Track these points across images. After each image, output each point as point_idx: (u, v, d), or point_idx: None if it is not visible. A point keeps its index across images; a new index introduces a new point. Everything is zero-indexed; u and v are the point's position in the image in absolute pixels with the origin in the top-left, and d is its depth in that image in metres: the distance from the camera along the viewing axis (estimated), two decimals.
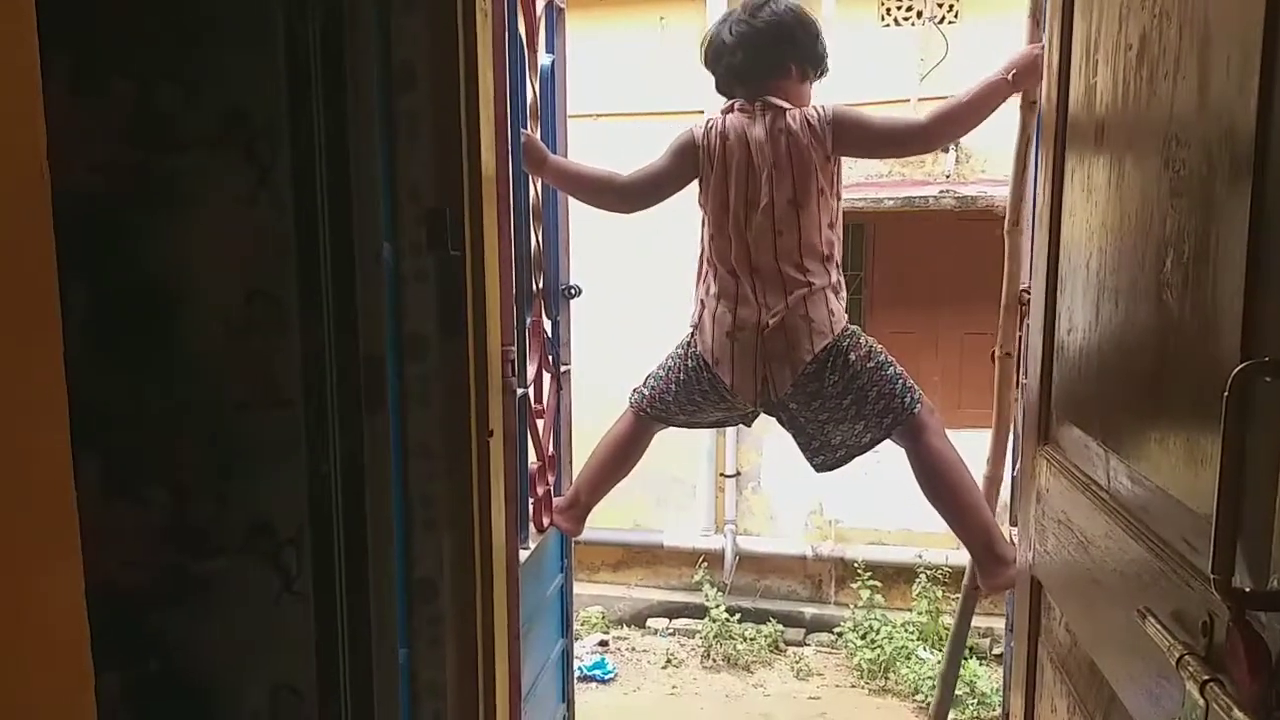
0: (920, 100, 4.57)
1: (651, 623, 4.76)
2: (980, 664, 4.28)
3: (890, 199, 4.56)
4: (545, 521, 2.01)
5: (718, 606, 4.41)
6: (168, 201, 1.30)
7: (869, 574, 4.55)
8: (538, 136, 1.96)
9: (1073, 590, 0.99)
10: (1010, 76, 1.81)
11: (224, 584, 1.39)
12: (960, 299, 4.96)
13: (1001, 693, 2.13)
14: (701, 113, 4.87)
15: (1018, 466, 1.90)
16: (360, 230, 1.30)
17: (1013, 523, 1.93)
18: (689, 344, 2.01)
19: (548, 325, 2.06)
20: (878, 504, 4.95)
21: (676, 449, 4.21)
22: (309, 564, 1.37)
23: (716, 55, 2.01)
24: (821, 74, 2.01)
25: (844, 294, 1.94)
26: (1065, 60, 1.06)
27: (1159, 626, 0.72)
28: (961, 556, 4.80)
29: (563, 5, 2.05)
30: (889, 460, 4.92)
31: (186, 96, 1.27)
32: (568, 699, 2.21)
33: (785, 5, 1.97)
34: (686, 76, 4.89)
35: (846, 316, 1.93)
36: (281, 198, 1.29)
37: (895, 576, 4.76)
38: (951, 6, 4.70)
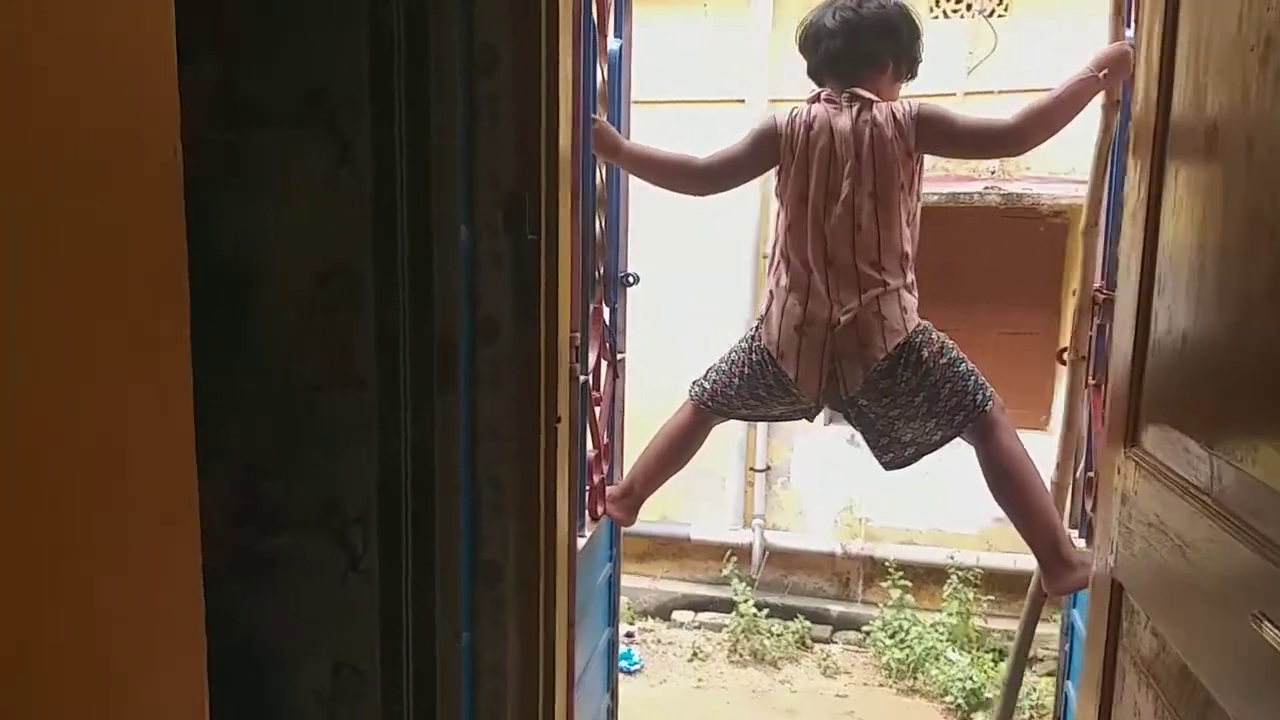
0: (967, 95, 4.53)
1: (677, 615, 4.76)
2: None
3: (935, 194, 4.52)
4: (599, 510, 2.01)
5: (746, 601, 4.40)
6: (249, 179, 1.31)
7: (900, 573, 4.53)
8: (606, 121, 1.96)
9: (1165, 594, 0.98)
10: (1100, 75, 1.77)
11: (291, 561, 1.40)
12: (999, 297, 4.92)
13: (1054, 696, 2.10)
14: (742, 102, 4.87)
15: (1089, 469, 1.88)
16: (439, 212, 1.30)
17: (1072, 525, 1.91)
18: (754, 337, 2.00)
19: (606, 313, 2.05)
20: (909, 503, 4.93)
21: (706, 441, 4.22)
22: (375, 543, 1.38)
23: (815, 39, 1.99)
24: (913, 76, 2.00)
25: (916, 292, 1.93)
26: (1167, 59, 1.04)
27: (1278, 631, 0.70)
28: (993, 559, 4.80)
29: None
30: (924, 459, 4.89)
31: (269, 74, 1.28)
32: (612, 689, 2.22)
33: (894, 0, 1.97)
34: (729, 64, 4.89)
35: (919, 313, 1.91)
36: (361, 176, 1.30)
37: (925, 577, 4.74)
38: (1002, 0, 4.64)
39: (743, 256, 4.84)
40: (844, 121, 1.91)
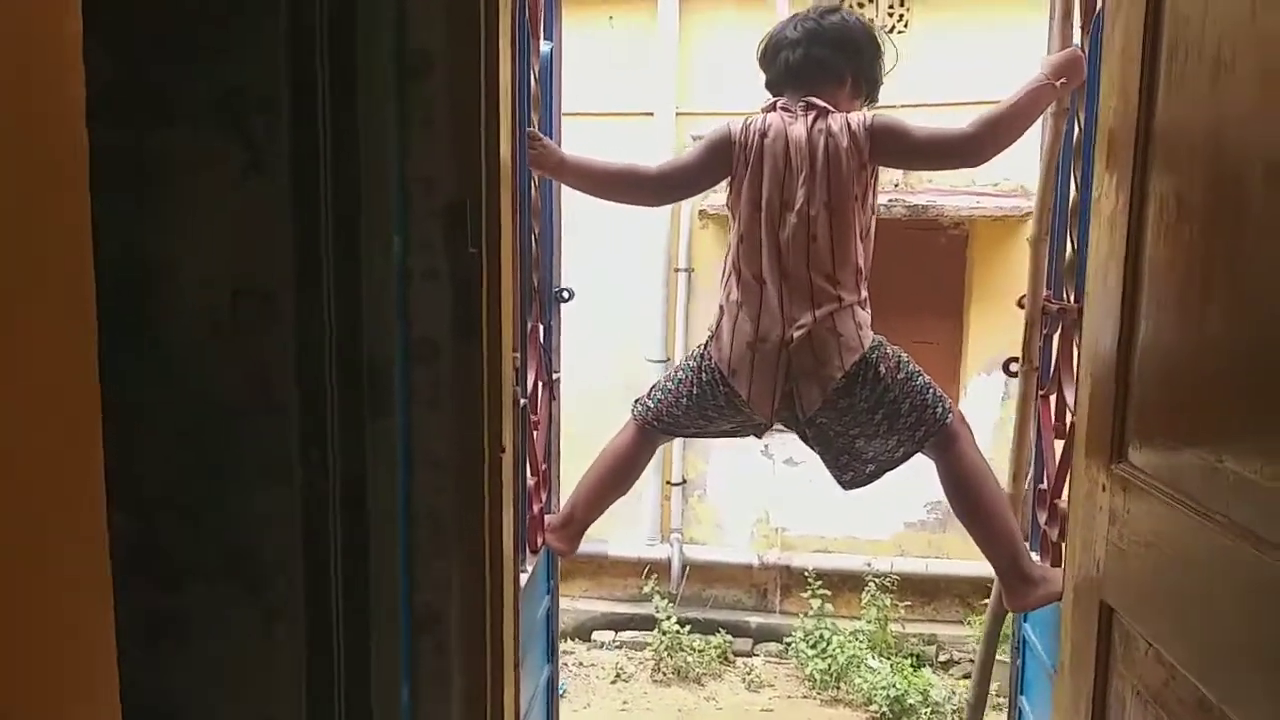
0: (869, 109, 4.59)
1: (597, 635, 4.65)
2: (931, 672, 4.29)
3: None
4: (539, 541, 1.90)
5: (668, 618, 4.33)
6: (152, 184, 1.16)
7: (819, 582, 4.53)
8: (538, 129, 1.86)
9: (1173, 618, 0.93)
10: (1058, 82, 1.75)
11: (200, 617, 1.25)
12: (906, 307, 4.99)
13: (1007, 710, 2.07)
14: (651, 114, 4.83)
15: (1039, 482, 1.86)
16: (369, 222, 1.18)
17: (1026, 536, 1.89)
18: (703, 355, 1.92)
19: (541, 330, 1.94)
20: (823, 511, 4.95)
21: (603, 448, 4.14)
22: (300, 592, 1.24)
23: (775, 50, 1.96)
24: (871, 97, 1.97)
25: (869, 308, 1.88)
26: (1149, 61, 1.00)
27: None
28: (907, 564, 4.85)
29: None
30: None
31: (176, 70, 1.13)
32: None
33: (856, 17, 1.96)
34: (637, 77, 4.84)
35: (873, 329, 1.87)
36: (279, 183, 1.17)
37: (841, 585, 4.76)
38: (902, 17, 4.72)
39: (654, 269, 4.78)
40: (799, 130, 1.86)
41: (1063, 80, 1.76)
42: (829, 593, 4.53)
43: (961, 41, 4.55)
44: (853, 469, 1.90)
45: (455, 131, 1.20)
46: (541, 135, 1.89)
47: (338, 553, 1.22)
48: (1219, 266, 0.87)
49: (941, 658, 4.55)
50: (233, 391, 1.19)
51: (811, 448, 1.93)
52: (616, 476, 2.00)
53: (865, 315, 1.86)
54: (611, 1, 4.84)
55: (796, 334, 1.81)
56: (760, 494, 4.90)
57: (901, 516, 4.89)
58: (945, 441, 1.81)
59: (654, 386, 2.01)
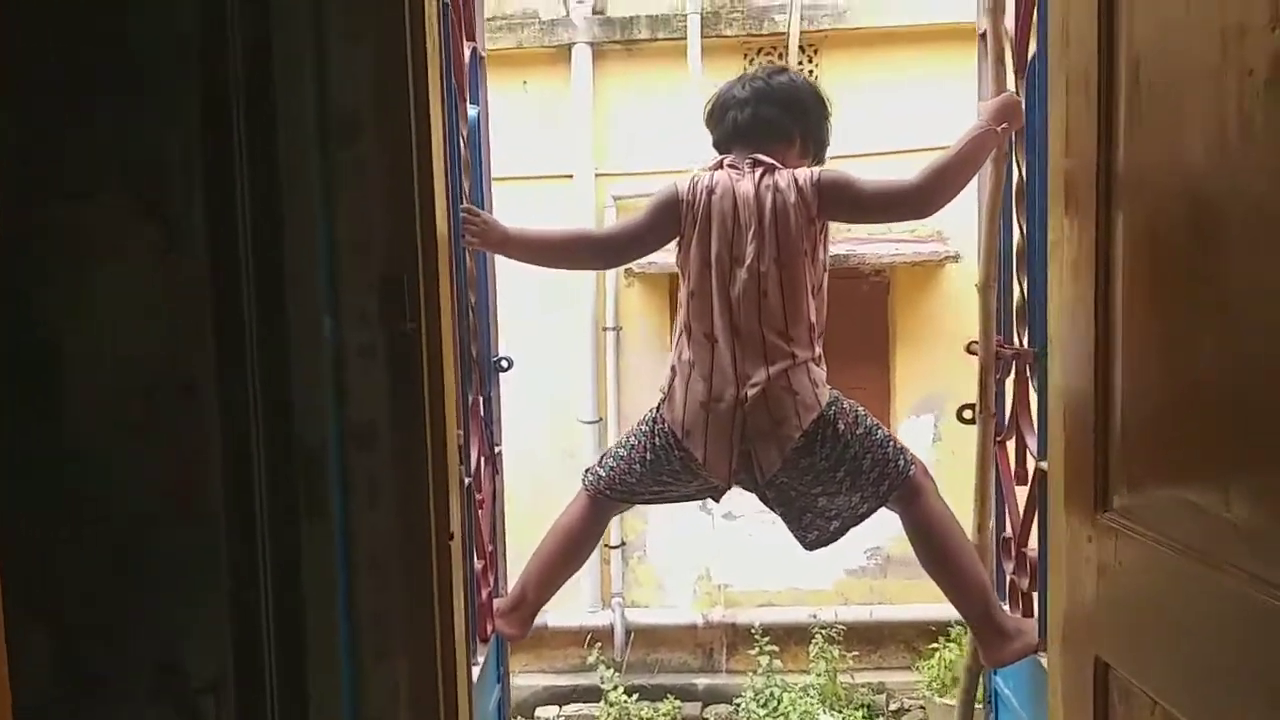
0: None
1: (540, 712, 4.47)
2: None
3: None
4: (489, 629, 1.78)
5: (615, 688, 4.18)
6: (48, 265, 1.05)
7: (766, 638, 4.44)
8: (469, 194, 1.79)
9: (1183, 676, 0.89)
10: (999, 128, 1.76)
11: None
12: (833, 355, 5.01)
13: None
14: (571, 177, 4.81)
15: (1001, 531, 1.83)
16: (296, 300, 1.09)
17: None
18: (655, 419, 1.85)
19: (481, 403, 1.85)
20: (764, 564, 4.88)
21: (551, 518, 4.03)
22: (232, 714, 1.11)
23: (723, 109, 1.96)
24: (819, 158, 1.97)
25: (825, 365, 1.85)
26: (1107, 101, 0.99)
27: None
28: (851, 613, 4.80)
29: (484, 53, 1.90)
30: (772, 517, 4.86)
31: (77, 138, 1.03)
32: None
33: (803, 79, 1.99)
34: (552, 140, 4.82)
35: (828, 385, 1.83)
36: (195, 261, 1.07)
37: (787, 638, 4.68)
38: (812, 58, 4.81)
39: (581, 330, 4.72)
40: (746, 186, 1.84)
41: (1003, 125, 1.77)
42: (776, 648, 4.45)
43: (873, 91, 4.66)
44: (816, 528, 1.84)
45: (388, 199, 1.12)
46: (480, 211, 1.84)
47: (273, 673, 1.10)
48: (1198, 305, 0.85)
49: (892, 706, 4.49)
50: (150, 496, 1.07)
51: (772, 509, 1.87)
52: (569, 552, 1.91)
53: (820, 372, 1.82)
54: (525, 65, 4.83)
55: (751, 393, 1.76)
56: (701, 551, 4.82)
57: (842, 564, 4.85)
58: (909, 494, 1.77)
59: (605, 454, 1.93)
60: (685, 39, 4.68)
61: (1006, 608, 1.82)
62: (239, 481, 1.08)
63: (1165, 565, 0.91)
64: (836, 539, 1.85)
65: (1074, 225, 1.07)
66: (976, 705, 2.05)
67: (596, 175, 4.74)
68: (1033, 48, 1.64)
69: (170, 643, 1.10)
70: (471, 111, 1.83)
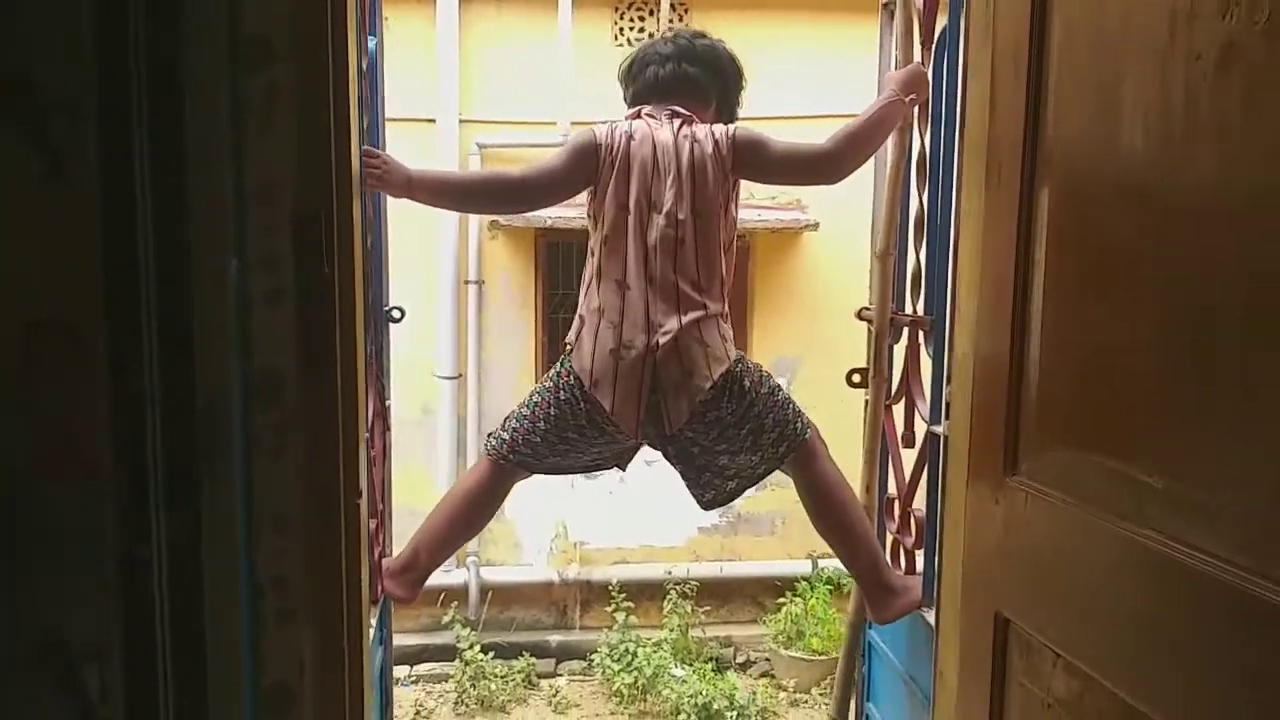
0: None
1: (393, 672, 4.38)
2: (734, 674, 4.38)
3: None
4: (379, 589, 1.71)
5: (471, 647, 4.15)
6: None
7: (623, 594, 4.51)
8: (365, 134, 1.68)
9: (1090, 627, 0.95)
10: (908, 98, 1.81)
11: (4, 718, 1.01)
12: None
13: (853, 715, 2.09)
14: (433, 121, 4.63)
15: (910, 496, 1.88)
16: (199, 240, 0.99)
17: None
18: (559, 373, 1.81)
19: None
20: (620, 522, 4.94)
21: (408, 477, 3.92)
22: (119, 685, 1.02)
23: (643, 64, 1.94)
24: (729, 124, 1.95)
25: (729, 322, 1.86)
26: (1035, 73, 1.03)
27: None
28: (703, 569, 4.93)
29: None
30: (630, 477, 4.91)
31: None
32: None
33: (724, 45, 1.99)
34: (415, 83, 4.62)
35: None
36: (83, 195, 0.96)
37: (640, 594, 4.76)
38: (682, 17, 4.81)
39: (443, 283, 4.59)
40: (665, 134, 1.84)
41: (911, 96, 1.82)
42: (631, 604, 4.52)
43: (741, 54, 4.69)
44: (714, 487, 1.86)
45: (301, 132, 1.04)
46: (379, 152, 1.73)
47: (166, 640, 1.02)
48: (1123, 279, 0.90)
49: (739, 659, 4.66)
50: (28, 450, 0.96)
51: (673, 465, 1.87)
52: (467, 518, 1.85)
53: (728, 328, 1.84)
54: (389, 1, 4.60)
55: (662, 340, 1.75)
56: (558, 509, 4.82)
57: (695, 522, 4.97)
58: (805, 457, 1.81)
59: (508, 416, 1.89)
60: None
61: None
62: (131, 434, 0.98)
63: (1077, 525, 0.96)
64: (733, 499, 1.88)
65: (996, 196, 1.11)
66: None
67: (461, 121, 4.59)
68: (941, 21, 1.69)
69: (49, 608, 0.99)
70: (370, 44, 1.72)
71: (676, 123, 1.86)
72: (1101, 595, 0.93)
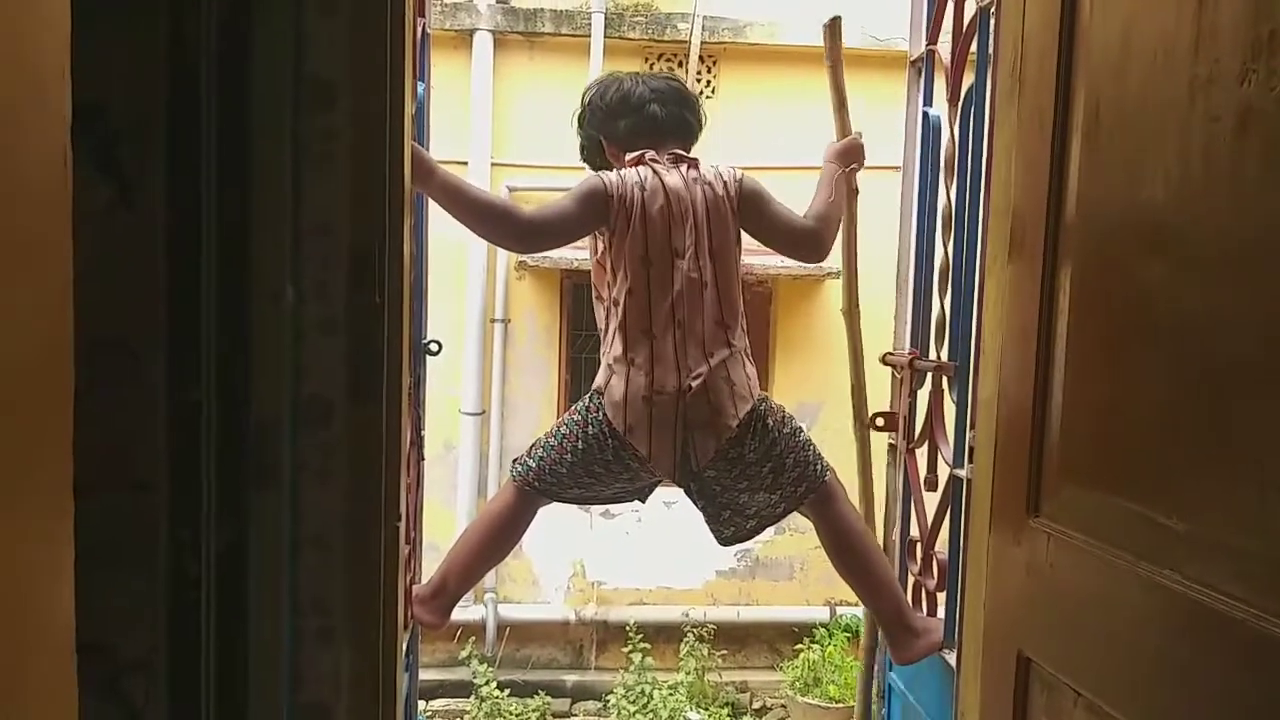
0: (732, 167, 4.77)
1: None
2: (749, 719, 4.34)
3: None
4: (409, 615, 1.74)
5: (487, 683, 4.15)
6: None
7: (639, 635, 4.50)
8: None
9: (1112, 668, 0.97)
10: (847, 169, 1.96)
11: None
12: None
13: None
14: (465, 164, 4.73)
15: (905, 533, 1.91)
16: (261, 269, 1.05)
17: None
18: (588, 409, 1.84)
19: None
20: (636, 563, 4.94)
21: (430, 511, 3.96)
22: (163, 696, 1.06)
23: (640, 102, 1.93)
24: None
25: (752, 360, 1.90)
26: (1060, 144, 1.07)
27: None
28: (720, 613, 4.91)
29: (430, 30, 1.85)
30: (649, 518, 4.90)
31: None
32: None
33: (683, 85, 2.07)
34: (446, 124, 4.74)
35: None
36: (149, 222, 1.01)
37: (657, 636, 4.75)
38: (709, 83, 4.91)
39: (470, 320, 4.66)
40: (675, 180, 1.87)
41: (851, 166, 1.97)
42: (648, 646, 4.51)
43: (766, 106, 4.78)
44: (734, 524, 1.88)
45: (358, 171, 1.09)
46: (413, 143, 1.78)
47: (210, 653, 1.05)
48: (1146, 329, 0.93)
49: (755, 705, 4.63)
50: (83, 463, 1.01)
51: (694, 502, 1.90)
52: (494, 543, 1.88)
53: (752, 367, 1.88)
54: None
55: (694, 383, 1.79)
56: (575, 548, 4.84)
57: (713, 565, 4.97)
58: (824, 499, 1.83)
59: (534, 444, 1.91)
60: (588, 37, 4.70)
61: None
62: (186, 452, 1.03)
63: (1099, 567, 0.98)
64: (752, 537, 1.90)
65: (1020, 248, 1.15)
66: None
67: (493, 164, 4.70)
68: (968, 80, 1.74)
69: (96, 617, 1.03)
70: (419, 89, 1.79)
71: (683, 166, 1.90)
72: (1123, 635, 0.95)
